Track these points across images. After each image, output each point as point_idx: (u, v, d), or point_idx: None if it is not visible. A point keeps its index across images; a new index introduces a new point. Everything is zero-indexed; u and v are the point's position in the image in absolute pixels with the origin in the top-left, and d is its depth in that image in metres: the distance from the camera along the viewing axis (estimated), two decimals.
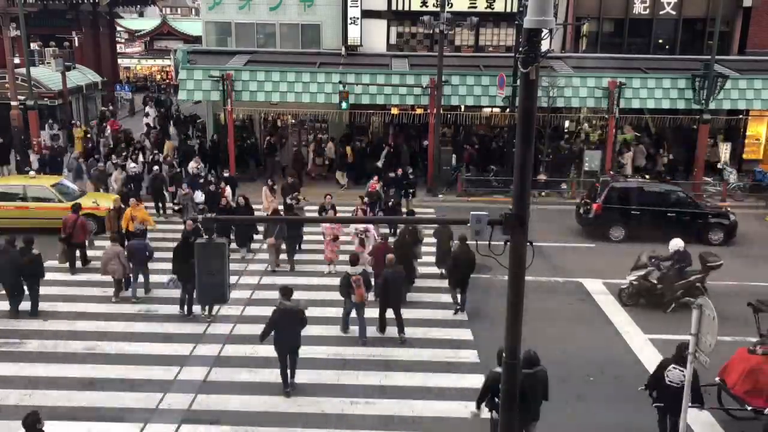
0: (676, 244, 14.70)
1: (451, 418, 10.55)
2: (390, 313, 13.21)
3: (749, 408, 9.97)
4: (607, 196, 19.28)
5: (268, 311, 14.25)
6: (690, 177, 25.10)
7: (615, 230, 19.38)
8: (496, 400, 9.01)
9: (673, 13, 27.33)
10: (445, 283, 15.84)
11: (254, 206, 18.69)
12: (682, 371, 9.07)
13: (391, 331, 13.30)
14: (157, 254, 15.48)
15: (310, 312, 14.07)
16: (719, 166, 25.86)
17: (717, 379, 10.44)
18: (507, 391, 7.54)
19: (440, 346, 12.84)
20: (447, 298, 15.09)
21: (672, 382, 9.33)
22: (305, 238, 18.22)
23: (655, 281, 14.68)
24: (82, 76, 36.70)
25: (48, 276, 15.96)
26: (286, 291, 11.30)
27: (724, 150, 26.65)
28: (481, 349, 12.60)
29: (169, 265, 14.31)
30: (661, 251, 15.10)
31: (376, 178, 21.06)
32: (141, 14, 69.34)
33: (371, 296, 13.34)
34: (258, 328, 13.15)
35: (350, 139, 26.76)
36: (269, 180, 20.72)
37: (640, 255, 15.08)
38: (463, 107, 25.45)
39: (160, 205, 21.48)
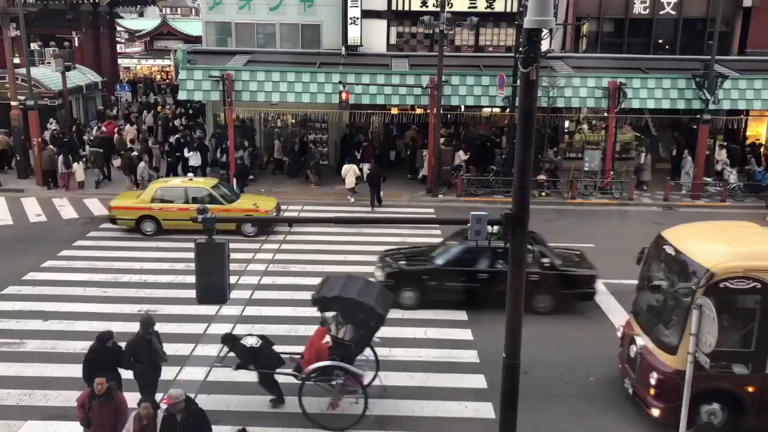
0: None
1: (451, 418, 10.55)
2: None
3: None
4: None
5: (268, 311, 14.40)
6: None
7: None
8: None
9: (673, 13, 27.32)
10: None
11: None
12: None
13: (392, 331, 13.33)
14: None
15: (309, 312, 14.13)
16: (719, 167, 25.80)
17: None
18: (507, 391, 7.54)
19: (440, 346, 12.83)
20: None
21: None
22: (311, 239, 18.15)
23: None
24: (82, 76, 36.63)
25: (48, 276, 16.03)
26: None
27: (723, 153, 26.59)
28: (481, 349, 12.60)
29: None
30: None
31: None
32: (141, 14, 69.26)
33: None
34: (257, 329, 13.20)
35: (349, 138, 26.78)
36: None
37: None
38: (463, 107, 25.44)
39: None
